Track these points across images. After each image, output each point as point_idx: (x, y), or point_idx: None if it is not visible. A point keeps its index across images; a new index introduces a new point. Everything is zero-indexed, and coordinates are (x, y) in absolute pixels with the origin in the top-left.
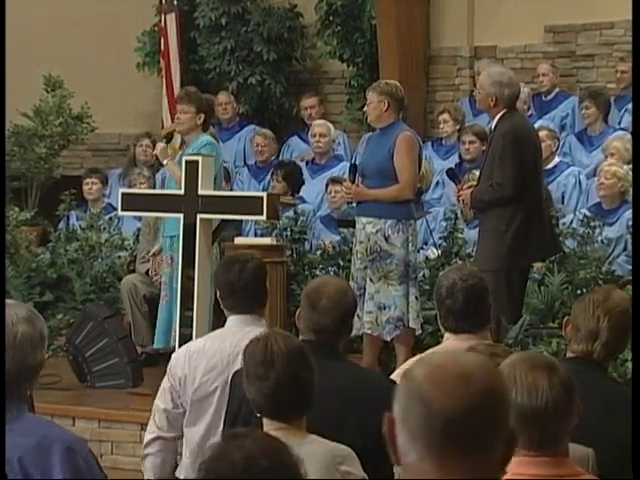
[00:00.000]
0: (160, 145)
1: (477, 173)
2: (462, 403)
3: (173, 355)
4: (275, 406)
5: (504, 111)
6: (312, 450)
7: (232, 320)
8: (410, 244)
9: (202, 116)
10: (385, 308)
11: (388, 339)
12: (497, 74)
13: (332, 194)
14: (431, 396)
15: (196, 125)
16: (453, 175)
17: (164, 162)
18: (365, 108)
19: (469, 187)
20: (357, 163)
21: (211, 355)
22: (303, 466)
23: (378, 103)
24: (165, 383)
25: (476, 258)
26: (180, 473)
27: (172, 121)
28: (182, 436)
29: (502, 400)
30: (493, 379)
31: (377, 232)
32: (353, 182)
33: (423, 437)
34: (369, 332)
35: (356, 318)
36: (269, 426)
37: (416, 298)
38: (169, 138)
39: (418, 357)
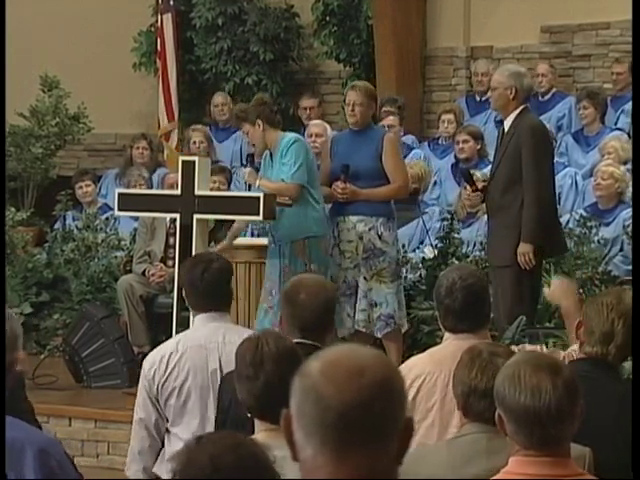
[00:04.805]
0: (247, 170)
1: (478, 173)
2: (353, 397)
3: (145, 364)
4: (264, 407)
5: (522, 107)
6: None
7: (197, 320)
8: (398, 242)
9: (261, 123)
10: (377, 305)
11: (379, 335)
12: (512, 67)
13: None
14: (324, 391)
15: (263, 131)
16: (468, 176)
17: (256, 183)
18: (354, 109)
19: (483, 187)
20: (347, 164)
21: (183, 354)
22: (271, 452)
23: (367, 107)
24: (142, 393)
25: (495, 253)
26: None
27: (168, 121)
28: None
29: (396, 392)
30: (386, 371)
31: (370, 230)
32: (345, 182)
33: (318, 432)
34: (363, 329)
35: (348, 318)
36: (260, 427)
37: (404, 296)
38: (166, 139)
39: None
